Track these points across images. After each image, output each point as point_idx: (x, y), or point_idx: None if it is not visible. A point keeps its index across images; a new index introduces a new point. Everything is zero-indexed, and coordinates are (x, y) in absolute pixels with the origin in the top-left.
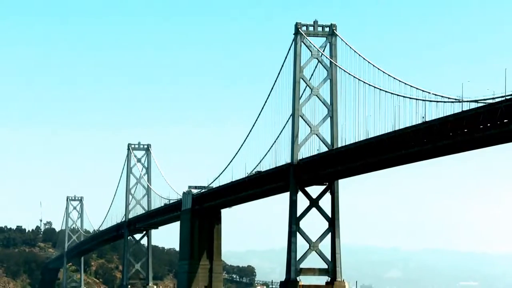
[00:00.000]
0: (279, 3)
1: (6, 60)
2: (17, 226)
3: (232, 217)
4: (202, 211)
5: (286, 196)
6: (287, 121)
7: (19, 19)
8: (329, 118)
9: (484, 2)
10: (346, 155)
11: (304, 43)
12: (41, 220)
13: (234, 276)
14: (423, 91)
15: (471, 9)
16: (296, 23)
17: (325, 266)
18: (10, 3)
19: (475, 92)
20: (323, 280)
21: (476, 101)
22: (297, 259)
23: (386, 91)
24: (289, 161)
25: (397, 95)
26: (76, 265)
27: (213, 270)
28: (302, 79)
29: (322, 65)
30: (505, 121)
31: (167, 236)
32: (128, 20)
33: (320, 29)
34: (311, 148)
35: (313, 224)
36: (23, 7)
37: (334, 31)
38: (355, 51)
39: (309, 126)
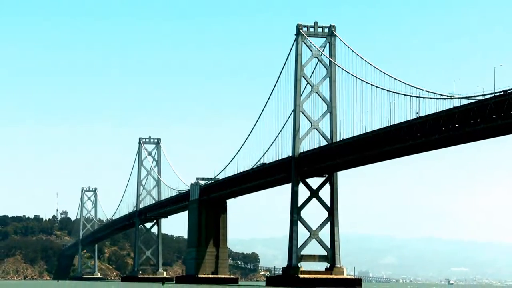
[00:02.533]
0: (281, 6)
1: (24, 58)
2: (34, 216)
3: (237, 207)
4: (209, 201)
5: (288, 187)
6: (289, 116)
7: (40, 18)
8: (328, 113)
9: (475, 4)
10: (345, 148)
11: (305, 43)
12: (57, 210)
13: (239, 263)
14: (417, 88)
15: (462, 11)
16: (298, 24)
17: (325, 253)
18: (33, 3)
19: (465, 89)
20: (322, 266)
21: (466, 97)
22: (298, 247)
23: (382, 88)
24: (291, 154)
25: (393, 92)
26: (90, 252)
27: (219, 257)
28: (303, 77)
29: (322, 64)
30: (494, 116)
31: (176, 225)
32: (140, 21)
33: (320, 30)
34: (311, 142)
35: (314, 214)
36: (44, 5)
37: (333, 32)
38: (353, 51)
39: (310, 121)
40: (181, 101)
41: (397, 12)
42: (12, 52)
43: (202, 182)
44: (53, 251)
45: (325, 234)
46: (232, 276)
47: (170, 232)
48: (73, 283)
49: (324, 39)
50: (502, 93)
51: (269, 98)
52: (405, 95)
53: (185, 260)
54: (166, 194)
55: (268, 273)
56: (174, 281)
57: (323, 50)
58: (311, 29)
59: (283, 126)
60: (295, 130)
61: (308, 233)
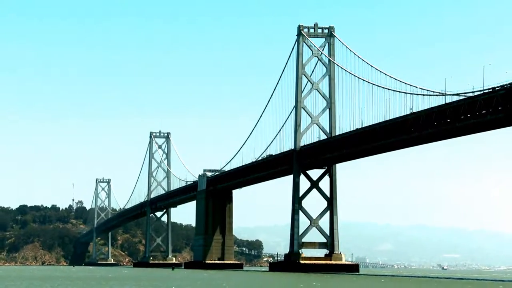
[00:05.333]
0: (283, 8)
1: (47, 58)
2: (52, 205)
3: (242, 197)
4: (215, 192)
5: (289, 178)
6: (291, 112)
7: (62, 20)
8: (327, 109)
9: (465, 7)
10: (343, 142)
11: (305, 43)
12: (73, 200)
13: (244, 249)
14: (411, 85)
15: (453, 14)
16: (299, 25)
17: (324, 240)
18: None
19: (457, 87)
20: (322, 252)
21: (457, 94)
22: (300, 234)
23: (378, 86)
24: (292, 147)
25: (388, 89)
26: (104, 239)
27: (225, 244)
28: (304, 75)
29: (322, 62)
30: (483, 112)
31: (185, 214)
32: (153, 23)
33: (320, 30)
34: (312, 136)
35: (314, 203)
36: (68, 6)
37: (333, 32)
38: (351, 50)
39: (310, 117)
40: (189, 98)
41: (393, 14)
42: (31, 52)
43: (209, 174)
44: (69, 239)
45: (324, 223)
46: (237, 262)
47: (179, 220)
48: (88, 269)
49: (324, 39)
50: (491, 90)
51: (272, 95)
52: (399, 92)
53: (193, 247)
54: (175, 185)
55: (271, 259)
56: (183, 267)
57: (323, 49)
58: (312, 30)
59: (285, 121)
60: (297, 125)
61: (309, 222)
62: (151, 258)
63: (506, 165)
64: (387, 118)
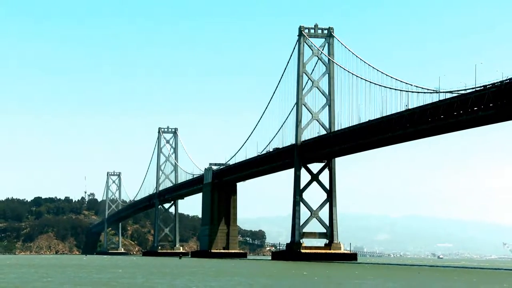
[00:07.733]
0: (285, 10)
1: (59, 56)
2: (65, 197)
3: (246, 189)
4: (220, 184)
5: (291, 171)
6: (292, 108)
7: (73, 19)
8: (327, 106)
9: (459, 9)
10: (342, 137)
11: (306, 43)
12: (85, 192)
13: (248, 239)
14: (406, 83)
15: (447, 15)
16: (300, 26)
17: (324, 231)
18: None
19: (450, 84)
20: (322, 242)
21: (450, 92)
22: (301, 225)
23: (375, 84)
24: (293, 142)
25: (385, 87)
26: (115, 229)
27: (229, 234)
28: (305, 73)
29: (322, 61)
30: (475, 108)
31: (191, 205)
32: (159, 24)
33: (320, 31)
34: (312, 131)
35: (314, 195)
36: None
37: (332, 33)
38: (349, 50)
39: (311, 113)
40: (196, 96)
41: (390, 16)
42: (48, 51)
43: (214, 167)
44: (82, 229)
45: (324, 214)
46: (241, 251)
47: (186, 211)
48: (100, 257)
49: (324, 39)
50: (482, 87)
51: (274, 92)
52: (395, 89)
53: (200, 237)
54: (182, 178)
55: (273, 248)
56: (189, 256)
57: (323, 49)
58: (312, 31)
59: (287, 117)
60: (298, 121)
61: (309, 213)
62: (159, 247)
63: (499, 157)
64: (384, 115)
